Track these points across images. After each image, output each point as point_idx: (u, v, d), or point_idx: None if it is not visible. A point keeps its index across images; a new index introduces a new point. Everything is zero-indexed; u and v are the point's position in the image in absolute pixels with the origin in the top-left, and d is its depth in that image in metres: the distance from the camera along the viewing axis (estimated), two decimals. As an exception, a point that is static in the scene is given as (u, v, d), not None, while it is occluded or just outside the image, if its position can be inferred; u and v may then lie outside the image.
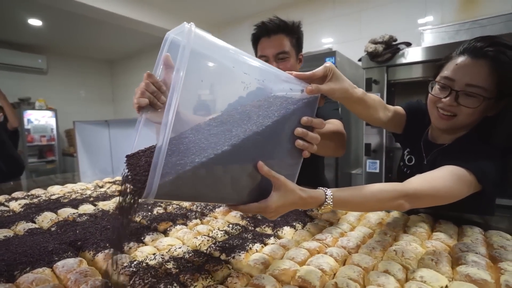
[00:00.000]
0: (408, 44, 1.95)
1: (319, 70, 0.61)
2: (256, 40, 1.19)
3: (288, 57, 1.16)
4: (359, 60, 2.09)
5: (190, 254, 0.68)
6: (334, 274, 0.61)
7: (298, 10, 3.52)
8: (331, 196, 0.57)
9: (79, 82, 6.19)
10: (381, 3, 2.94)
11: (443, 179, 0.69)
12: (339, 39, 3.30)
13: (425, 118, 0.94)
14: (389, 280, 0.55)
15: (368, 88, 1.95)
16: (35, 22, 4.11)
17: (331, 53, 2.34)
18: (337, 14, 3.27)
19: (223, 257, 0.69)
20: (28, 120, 5.15)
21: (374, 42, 1.90)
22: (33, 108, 5.14)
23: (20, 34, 4.63)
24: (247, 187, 0.54)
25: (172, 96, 0.41)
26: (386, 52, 1.87)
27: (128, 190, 0.47)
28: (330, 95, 0.63)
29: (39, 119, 5.30)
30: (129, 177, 0.46)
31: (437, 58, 1.79)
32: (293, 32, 1.16)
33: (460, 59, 0.78)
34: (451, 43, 1.75)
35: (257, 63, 0.56)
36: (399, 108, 0.98)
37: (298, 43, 1.20)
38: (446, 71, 0.80)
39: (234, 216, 0.97)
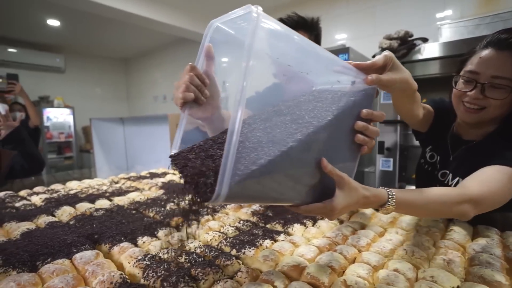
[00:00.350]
0: (425, 40, 1.90)
1: (379, 59, 0.57)
2: None
3: None
4: (373, 56, 2.05)
5: (201, 249, 0.70)
6: (343, 272, 0.61)
7: (311, 5, 3.48)
8: (394, 197, 0.53)
9: (95, 80, 6.35)
10: (395, -3, 2.87)
11: (499, 182, 0.66)
12: (353, 35, 3.25)
13: (449, 116, 0.93)
14: (399, 279, 0.54)
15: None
16: (53, 22, 4.23)
17: (344, 50, 2.30)
18: (351, 10, 3.22)
19: (233, 252, 0.70)
20: (47, 118, 5.33)
21: (389, 38, 1.86)
22: (52, 106, 5.31)
23: (39, 35, 4.79)
24: (308, 186, 0.50)
25: (240, 99, 0.38)
26: (401, 48, 1.83)
27: (192, 194, 0.44)
28: (390, 86, 0.58)
29: (58, 117, 5.48)
30: (194, 179, 0.43)
31: (456, 54, 1.74)
32: (312, 28, 1.13)
33: (484, 52, 0.76)
34: (470, 38, 1.70)
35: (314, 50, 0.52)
36: (427, 106, 0.95)
37: (317, 40, 1.17)
38: (470, 65, 0.79)
39: (245, 213, 0.98)
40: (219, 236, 0.78)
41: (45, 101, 5.24)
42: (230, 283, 0.56)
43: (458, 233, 0.78)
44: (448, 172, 0.85)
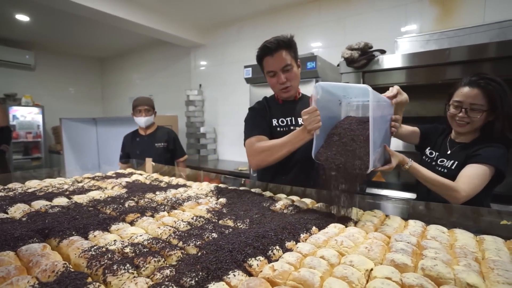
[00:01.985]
0: (383, 52, 2.04)
1: (394, 92, 1.12)
2: (261, 59, 1.39)
3: (291, 67, 1.35)
4: (338, 65, 2.18)
5: (149, 241, 0.74)
6: (277, 260, 0.67)
7: (285, 14, 3.60)
8: (411, 163, 1.14)
9: (68, 79, 6.15)
10: (364, 10, 3.05)
11: (479, 176, 1.14)
12: (325, 44, 3.39)
13: (438, 131, 1.47)
14: (321, 263, 0.61)
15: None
16: (22, 17, 4.09)
17: (312, 58, 2.42)
18: (323, 20, 3.36)
19: (180, 244, 0.74)
20: (14, 116, 5.10)
21: (351, 48, 1.98)
22: (19, 104, 5.09)
23: (7, 30, 4.59)
24: (382, 157, 1.07)
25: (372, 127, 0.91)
26: (361, 59, 1.95)
27: (351, 170, 0.95)
28: (400, 102, 1.14)
29: (25, 116, 5.25)
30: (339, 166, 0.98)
31: (410, 65, 1.89)
32: (291, 45, 1.35)
33: (463, 89, 1.24)
34: (422, 52, 1.85)
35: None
36: (415, 129, 1.50)
37: (295, 53, 1.39)
38: (456, 97, 1.26)
39: (201, 210, 1.03)
40: (169, 230, 0.82)
41: (12, 99, 5.01)
42: (170, 270, 0.60)
43: (389, 226, 0.87)
44: (445, 159, 1.33)
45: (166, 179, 1.62)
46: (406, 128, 1.47)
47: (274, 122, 1.45)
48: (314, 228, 0.85)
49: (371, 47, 2.01)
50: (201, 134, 4.24)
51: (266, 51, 1.33)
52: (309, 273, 0.56)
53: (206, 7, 3.63)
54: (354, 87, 1.08)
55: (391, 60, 1.94)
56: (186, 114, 4.43)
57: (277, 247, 0.70)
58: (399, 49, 2.05)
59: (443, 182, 1.13)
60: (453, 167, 1.27)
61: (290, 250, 0.72)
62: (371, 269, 0.61)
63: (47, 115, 5.41)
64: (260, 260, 0.63)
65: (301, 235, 0.80)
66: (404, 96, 1.15)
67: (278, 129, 1.44)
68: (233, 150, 4.26)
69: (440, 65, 1.77)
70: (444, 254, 0.66)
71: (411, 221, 0.92)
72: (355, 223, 0.92)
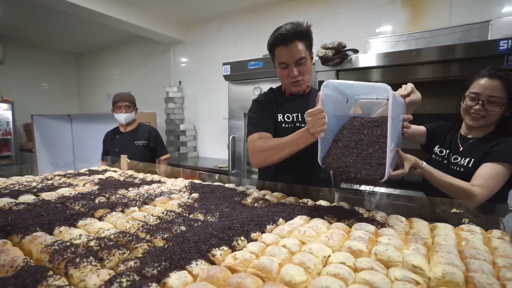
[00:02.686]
0: (356, 51, 2.11)
1: (408, 90, 1.04)
2: (273, 47, 1.28)
3: (305, 61, 1.26)
4: (313, 63, 2.23)
5: (116, 235, 0.74)
6: (242, 249, 0.69)
7: (264, 13, 3.62)
8: (424, 166, 1.07)
9: (41, 74, 5.88)
10: (340, 11, 3.12)
11: (495, 177, 1.07)
12: (303, 43, 3.44)
13: (445, 129, 1.40)
14: (281, 252, 0.64)
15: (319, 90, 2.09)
16: (-11, 8, 3.87)
17: (290, 56, 2.45)
18: (301, 19, 3.34)
19: (147, 237, 0.75)
20: (-19, 113, 4.82)
21: (325, 47, 2.04)
22: (-14, 100, 4.82)
23: (-27, 20, 4.34)
24: (394, 162, 0.99)
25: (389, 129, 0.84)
26: (335, 57, 2.01)
27: (364, 179, 0.87)
28: (413, 100, 1.06)
29: (-7, 112, 4.98)
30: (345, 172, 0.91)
31: (381, 64, 1.97)
32: (307, 36, 1.25)
33: (482, 80, 1.17)
34: (390, 52, 1.93)
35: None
36: (422, 128, 1.44)
37: (310, 45, 1.29)
38: (473, 89, 1.19)
39: (172, 205, 1.04)
40: (138, 224, 0.82)
41: (-22, 94, 4.73)
42: (134, 262, 0.61)
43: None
44: (459, 157, 1.26)
45: (141, 175, 1.61)
46: (414, 127, 1.37)
47: (280, 117, 1.35)
48: (281, 220, 0.89)
49: (345, 47, 2.08)
50: (181, 132, 4.20)
51: (281, 40, 1.22)
52: (268, 260, 0.59)
53: (185, 3, 3.59)
54: (370, 86, 1.00)
55: (362, 60, 2.01)
56: (165, 111, 4.37)
57: (242, 238, 0.73)
58: (371, 49, 2.13)
59: (458, 186, 1.06)
60: (470, 165, 1.19)
61: (255, 240, 0.75)
62: (329, 256, 0.65)
63: (17, 112, 5.15)
64: (223, 250, 0.65)
65: (268, 226, 0.83)
66: (417, 95, 1.08)
67: (283, 125, 1.34)
68: (213, 147, 4.25)
69: (408, 65, 1.86)
70: (396, 240, 0.71)
71: (373, 212, 0.98)
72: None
